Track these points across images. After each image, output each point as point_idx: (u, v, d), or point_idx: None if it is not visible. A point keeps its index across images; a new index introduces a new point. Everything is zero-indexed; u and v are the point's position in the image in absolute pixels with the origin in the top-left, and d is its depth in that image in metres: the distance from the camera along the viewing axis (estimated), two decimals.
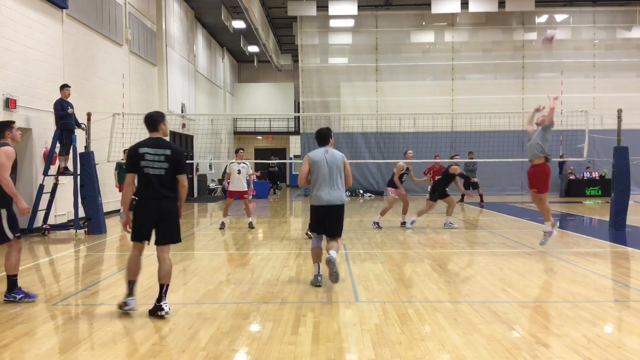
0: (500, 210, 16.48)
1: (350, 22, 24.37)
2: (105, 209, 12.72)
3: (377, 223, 12.20)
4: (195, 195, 24.69)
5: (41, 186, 11.34)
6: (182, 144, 23.24)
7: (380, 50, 24.50)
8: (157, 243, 5.39)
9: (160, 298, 5.24)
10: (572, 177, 22.86)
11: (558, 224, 9.13)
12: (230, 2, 22.38)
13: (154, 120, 5.59)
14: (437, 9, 22.02)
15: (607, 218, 12.27)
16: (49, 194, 11.47)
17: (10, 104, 10.71)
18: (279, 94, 37.14)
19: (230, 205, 12.51)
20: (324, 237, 6.70)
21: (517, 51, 24.36)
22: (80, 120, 11.68)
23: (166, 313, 5.19)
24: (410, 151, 12.78)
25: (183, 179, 5.41)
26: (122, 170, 13.47)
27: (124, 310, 5.27)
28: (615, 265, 7.95)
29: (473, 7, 21.90)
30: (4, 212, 5.70)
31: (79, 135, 11.98)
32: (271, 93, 37.10)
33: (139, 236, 5.39)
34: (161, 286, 5.27)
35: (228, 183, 12.28)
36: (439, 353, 4.23)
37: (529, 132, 9.82)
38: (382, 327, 4.85)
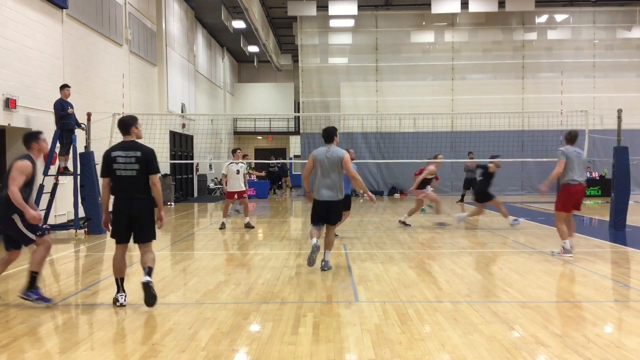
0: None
1: (350, 22, 24.37)
2: None
3: (442, 223, 12.30)
4: (196, 195, 24.70)
5: (41, 186, 11.32)
6: (182, 144, 23.26)
7: (380, 50, 24.49)
8: (135, 241, 5.74)
9: (147, 274, 5.58)
10: None
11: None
12: (230, 2, 22.38)
13: (126, 124, 5.82)
14: (437, 9, 22.02)
15: (607, 218, 12.27)
16: (49, 194, 11.46)
17: (10, 104, 10.71)
18: (279, 94, 37.14)
19: (229, 205, 12.51)
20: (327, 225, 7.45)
21: (517, 51, 24.35)
22: (80, 120, 11.68)
23: (124, 299, 5.68)
24: (440, 155, 12.88)
25: (154, 178, 5.65)
26: None
27: (117, 305, 5.58)
28: (615, 265, 7.95)
29: (473, 7, 21.89)
30: (16, 217, 5.66)
31: (79, 135, 11.98)
32: (271, 93, 37.10)
33: (117, 236, 5.73)
34: (144, 269, 5.64)
35: (226, 183, 12.27)
36: (439, 353, 4.23)
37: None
38: (382, 327, 4.85)
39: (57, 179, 11.60)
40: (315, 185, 7.30)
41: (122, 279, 5.73)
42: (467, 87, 24.03)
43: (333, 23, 24.51)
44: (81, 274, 7.67)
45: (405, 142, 20.89)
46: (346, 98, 24.53)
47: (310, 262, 7.31)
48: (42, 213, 11.32)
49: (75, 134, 11.63)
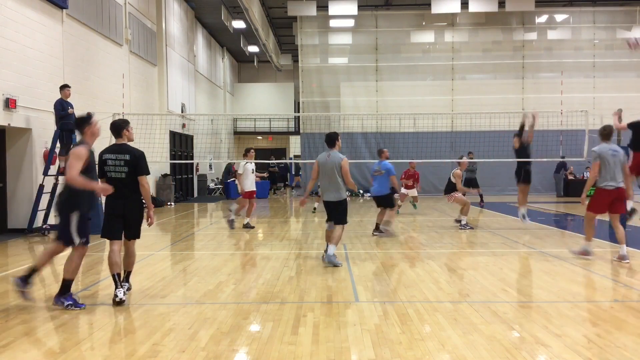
0: (500, 210, 16.49)
1: (350, 22, 24.38)
2: None
3: (466, 225, 12.00)
4: (196, 195, 24.70)
5: (41, 186, 11.34)
6: (182, 144, 23.26)
7: (380, 50, 24.50)
8: (126, 237, 6.07)
9: (126, 279, 6.05)
10: (571, 177, 22.85)
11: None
12: (230, 2, 22.38)
13: (118, 127, 6.14)
14: (437, 9, 22.03)
15: (607, 218, 12.25)
16: (49, 194, 11.46)
17: (10, 104, 10.71)
18: (279, 94, 37.15)
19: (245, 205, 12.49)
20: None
21: (517, 51, 24.36)
22: None
23: (128, 289, 6.05)
24: (464, 157, 12.95)
25: (142, 180, 5.92)
26: None
27: (116, 301, 5.68)
28: (615, 265, 7.94)
29: (473, 7, 21.90)
30: (75, 215, 5.57)
31: (79, 135, 11.96)
32: (271, 93, 37.11)
33: (110, 234, 5.95)
34: (125, 272, 6.07)
35: (240, 182, 12.30)
36: (439, 353, 4.23)
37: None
38: (382, 327, 4.85)
39: (57, 179, 11.59)
40: (320, 188, 8.11)
41: (119, 275, 5.85)
42: (467, 87, 24.04)
43: (333, 23, 24.52)
44: (81, 274, 7.66)
45: (405, 142, 20.90)
46: (346, 98, 24.54)
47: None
48: (42, 213, 11.37)
49: (75, 134, 11.62)
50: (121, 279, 5.86)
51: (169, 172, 20.34)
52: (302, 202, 8.21)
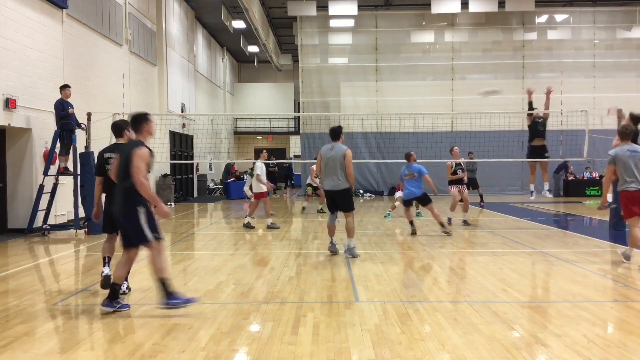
0: (500, 210, 16.49)
1: (350, 22, 24.37)
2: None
3: (449, 220, 12.35)
4: (196, 195, 24.71)
5: (41, 186, 11.34)
6: (182, 144, 23.26)
7: (380, 50, 24.50)
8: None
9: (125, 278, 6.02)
10: (571, 177, 22.86)
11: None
12: (230, 2, 22.38)
13: (119, 127, 6.24)
14: (437, 9, 22.02)
15: (607, 218, 12.27)
16: (49, 194, 11.47)
17: (10, 104, 10.71)
18: (279, 94, 37.15)
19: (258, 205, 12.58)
20: (342, 213, 8.41)
21: (517, 51, 24.36)
22: (80, 120, 11.69)
23: (127, 288, 6.17)
24: (456, 147, 12.98)
25: None
26: None
27: (103, 276, 6.14)
28: (615, 265, 7.94)
29: (473, 7, 21.90)
30: (142, 210, 5.34)
31: (79, 135, 11.98)
32: (271, 93, 37.11)
33: (107, 228, 6.31)
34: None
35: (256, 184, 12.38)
36: (439, 353, 4.23)
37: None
38: (382, 327, 4.85)
39: (57, 179, 11.61)
40: (322, 178, 8.45)
41: (110, 258, 6.32)
42: (467, 87, 24.01)
43: (333, 23, 24.52)
44: (81, 274, 7.67)
45: (405, 142, 20.86)
46: (346, 98, 24.54)
47: (332, 253, 8.53)
48: (42, 213, 11.37)
49: (75, 134, 11.64)
50: (110, 262, 6.31)
51: (169, 172, 20.35)
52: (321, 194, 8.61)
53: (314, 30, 24.79)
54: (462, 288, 6.37)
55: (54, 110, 11.33)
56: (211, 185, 26.64)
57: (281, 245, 9.93)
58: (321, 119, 23.67)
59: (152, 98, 19.56)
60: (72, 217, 12.04)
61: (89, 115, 12.00)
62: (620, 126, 7.75)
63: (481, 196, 18.18)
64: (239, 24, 25.01)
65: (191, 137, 24.16)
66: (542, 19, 24.46)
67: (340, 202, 8.31)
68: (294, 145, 35.32)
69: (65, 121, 11.20)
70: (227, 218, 15.50)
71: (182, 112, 22.53)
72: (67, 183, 12.24)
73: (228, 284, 6.64)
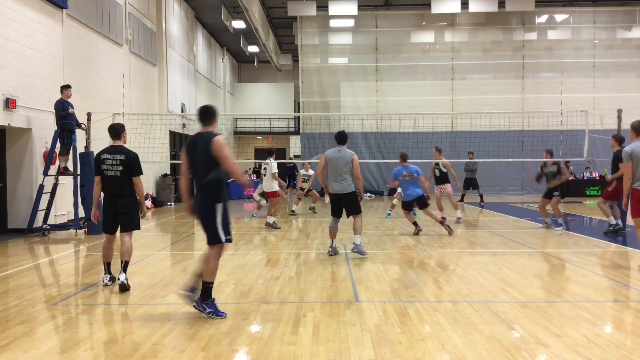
0: (500, 210, 16.48)
1: (350, 22, 24.38)
2: None
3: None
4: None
5: (41, 186, 11.34)
6: (182, 144, 23.24)
7: (380, 50, 24.51)
8: (120, 230, 6.57)
9: (124, 270, 6.37)
10: (571, 177, 22.86)
11: None
12: (230, 2, 22.39)
13: (117, 130, 6.64)
14: (437, 9, 22.03)
15: (607, 218, 12.26)
16: (49, 194, 11.47)
17: (10, 104, 10.71)
18: (279, 94, 37.15)
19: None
20: (350, 216, 8.53)
21: (517, 51, 24.37)
22: (80, 120, 11.69)
23: (126, 279, 6.33)
24: (436, 147, 13.28)
25: (136, 180, 6.50)
26: None
27: (103, 284, 6.45)
28: (615, 265, 7.94)
29: (473, 7, 21.91)
30: (219, 207, 5.21)
31: (79, 135, 11.98)
32: (271, 93, 37.11)
33: (105, 228, 6.58)
34: (122, 262, 6.43)
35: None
36: (439, 353, 4.23)
37: None
38: (382, 327, 4.85)
39: (57, 179, 11.61)
40: (328, 181, 8.43)
41: (109, 263, 6.59)
42: (467, 87, 24.04)
43: (333, 23, 24.52)
44: (81, 274, 7.67)
45: (405, 142, 20.89)
46: (346, 98, 24.55)
47: (331, 254, 8.56)
48: (42, 213, 11.36)
49: (75, 134, 11.64)
50: (110, 267, 6.59)
51: (169, 172, 20.34)
52: (327, 190, 8.58)
53: (314, 30, 24.80)
54: (462, 288, 6.37)
55: (54, 110, 11.33)
56: None
57: (281, 245, 9.93)
58: (321, 119, 23.68)
59: (152, 98, 19.56)
60: (72, 217, 12.04)
61: (89, 115, 12.00)
62: (636, 122, 7.44)
63: (481, 196, 18.21)
64: (239, 24, 25.02)
65: None
66: (542, 19, 24.47)
67: (347, 205, 8.39)
68: (294, 145, 35.31)
69: (65, 121, 11.20)
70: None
71: (182, 112, 22.53)
72: (67, 183, 12.24)
73: (228, 284, 6.64)
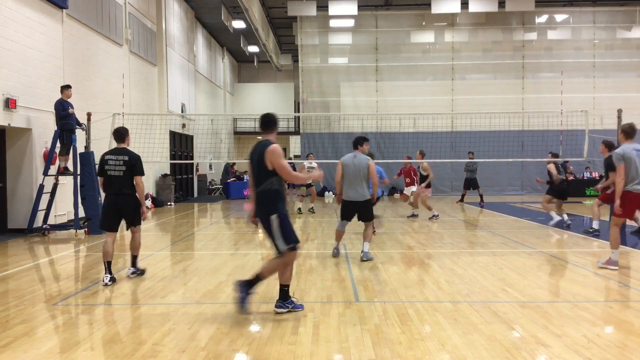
0: (500, 210, 16.48)
1: (350, 22, 24.38)
2: None
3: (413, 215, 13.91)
4: (196, 195, 24.70)
5: (41, 186, 11.34)
6: (182, 144, 23.26)
7: (380, 50, 24.50)
8: (127, 227, 7.04)
9: (132, 264, 7.03)
10: (571, 177, 22.86)
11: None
12: (230, 2, 22.38)
13: (121, 134, 7.00)
14: (437, 9, 22.03)
15: (607, 218, 12.26)
16: (49, 194, 11.47)
17: (10, 104, 10.71)
18: (279, 94, 37.14)
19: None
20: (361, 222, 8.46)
21: (517, 51, 24.36)
22: (80, 120, 11.68)
23: (133, 273, 6.96)
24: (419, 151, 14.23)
25: (137, 179, 6.80)
26: None
27: (103, 284, 6.53)
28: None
29: (473, 7, 21.90)
30: (275, 218, 5.20)
31: (79, 135, 11.98)
32: (271, 93, 37.10)
33: (107, 225, 6.85)
34: (132, 256, 7.02)
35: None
36: (439, 353, 4.23)
37: None
38: (382, 327, 4.85)
39: (57, 179, 11.61)
40: (343, 187, 8.28)
41: (110, 262, 6.69)
42: (467, 87, 24.04)
43: (333, 23, 24.52)
44: (81, 274, 7.67)
45: (405, 142, 20.90)
46: (346, 98, 24.54)
47: (335, 255, 8.54)
48: (42, 213, 11.37)
49: (75, 134, 11.63)
50: (110, 266, 6.68)
51: (169, 172, 20.34)
52: (339, 199, 8.44)
53: (314, 30, 24.79)
54: (462, 288, 6.37)
55: (53, 110, 11.33)
56: (210, 186, 26.61)
57: None
58: (321, 119, 23.68)
59: (152, 98, 19.56)
60: (72, 217, 12.04)
61: (89, 115, 12.00)
62: (625, 125, 7.49)
63: (481, 196, 18.21)
64: (239, 24, 25.01)
65: (191, 137, 24.15)
66: (542, 19, 24.46)
67: (361, 212, 8.28)
68: (294, 145, 35.30)
69: (65, 121, 11.19)
70: (227, 218, 15.51)
71: (182, 112, 22.52)
72: (67, 183, 12.24)
73: (228, 284, 6.63)
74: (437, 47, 24.93)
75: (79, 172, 11.46)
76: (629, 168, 7.14)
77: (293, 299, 5.46)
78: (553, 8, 24.35)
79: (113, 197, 6.76)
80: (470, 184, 18.24)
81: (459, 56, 24.35)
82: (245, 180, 23.44)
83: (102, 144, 12.80)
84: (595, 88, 23.65)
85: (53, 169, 11.64)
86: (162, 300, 5.93)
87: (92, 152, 11.70)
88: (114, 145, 7.11)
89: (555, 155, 13.00)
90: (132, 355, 4.23)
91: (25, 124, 11.43)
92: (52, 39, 12.42)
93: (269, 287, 6.45)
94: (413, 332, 4.73)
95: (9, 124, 10.92)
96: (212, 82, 29.54)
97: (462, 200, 19.13)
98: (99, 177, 6.90)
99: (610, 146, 9.85)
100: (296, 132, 33.76)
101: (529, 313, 5.27)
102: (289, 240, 5.23)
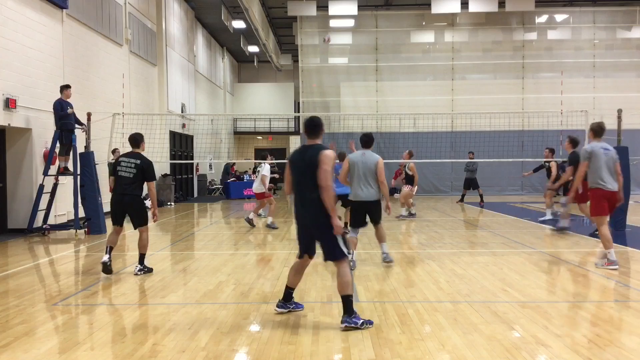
0: (500, 210, 16.47)
1: (350, 22, 24.37)
2: (105, 208, 12.71)
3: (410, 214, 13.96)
4: (195, 195, 24.70)
5: (41, 186, 11.34)
6: (182, 144, 23.26)
7: (380, 50, 24.50)
8: (134, 227, 7.34)
9: (140, 262, 7.27)
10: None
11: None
12: (230, 2, 22.38)
13: (136, 140, 7.42)
14: (437, 9, 22.03)
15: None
16: (49, 194, 11.47)
17: (10, 104, 10.71)
18: (279, 94, 37.15)
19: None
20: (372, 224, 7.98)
21: (517, 51, 24.36)
22: (80, 120, 11.68)
23: (139, 270, 7.20)
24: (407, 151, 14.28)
25: (150, 185, 7.28)
26: None
27: (102, 262, 7.03)
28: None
29: (473, 7, 21.90)
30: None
31: (79, 135, 11.98)
32: (271, 93, 37.10)
33: (113, 220, 7.34)
34: (139, 254, 7.28)
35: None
36: (439, 353, 4.23)
37: None
38: (382, 327, 4.85)
39: (57, 179, 11.60)
40: (351, 188, 7.77)
41: (112, 247, 7.18)
42: (467, 87, 24.03)
43: (333, 23, 24.51)
44: (81, 274, 7.67)
45: (405, 142, 20.88)
46: (346, 98, 24.53)
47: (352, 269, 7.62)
48: (42, 213, 11.37)
49: (75, 134, 11.63)
50: (111, 251, 7.12)
51: (169, 172, 20.34)
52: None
53: (314, 30, 24.79)
54: (462, 288, 6.36)
55: (53, 111, 11.32)
56: (210, 187, 26.59)
57: (281, 245, 9.92)
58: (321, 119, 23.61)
59: (152, 98, 19.56)
60: (72, 217, 12.04)
61: (89, 115, 11.99)
62: (595, 124, 7.60)
63: (481, 196, 18.19)
64: (239, 24, 25.01)
65: (191, 137, 24.15)
66: (542, 19, 24.46)
67: (371, 212, 7.76)
68: (294, 146, 35.31)
69: (65, 121, 11.19)
70: (227, 218, 15.51)
71: (182, 112, 22.53)
72: (67, 183, 12.24)
73: (228, 284, 6.64)
74: (437, 47, 24.92)
75: (78, 172, 11.45)
76: (595, 165, 7.27)
77: (359, 315, 4.99)
78: (553, 8, 24.35)
79: (119, 196, 7.17)
80: (471, 184, 18.24)
81: (459, 56, 24.34)
82: (245, 180, 23.46)
83: (102, 144, 12.81)
84: (595, 88, 23.64)
85: (53, 169, 11.64)
86: (162, 300, 5.93)
87: (92, 152, 11.69)
88: (114, 145, 7.26)
89: (552, 151, 13.20)
90: (132, 355, 4.23)
91: (25, 124, 11.43)
92: (52, 39, 12.42)
93: (269, 287, 6.45)
94: (413, 332, 4.73)
95: (9, 124, 10.92)
96: (212, 82, 29.54)
97: (462, 200, 19.12)
98: (110, 177, 7.46)
99: (575, 143, 10.71)
100: (296, 132, 33.77)
101: (529, 313, 5.27)
102: (348, 246, 5.15)
